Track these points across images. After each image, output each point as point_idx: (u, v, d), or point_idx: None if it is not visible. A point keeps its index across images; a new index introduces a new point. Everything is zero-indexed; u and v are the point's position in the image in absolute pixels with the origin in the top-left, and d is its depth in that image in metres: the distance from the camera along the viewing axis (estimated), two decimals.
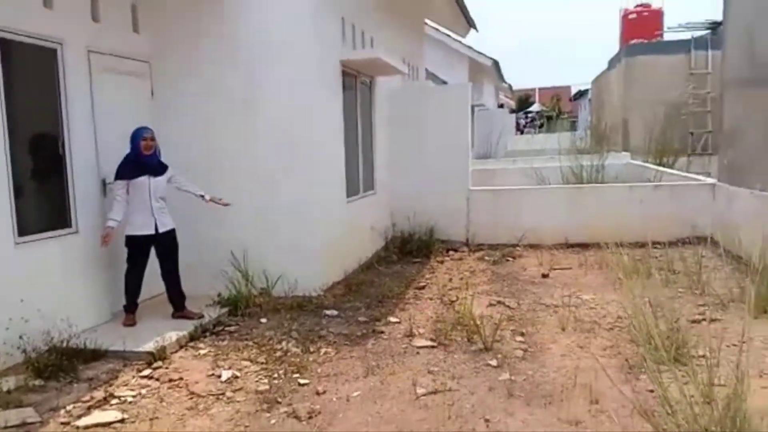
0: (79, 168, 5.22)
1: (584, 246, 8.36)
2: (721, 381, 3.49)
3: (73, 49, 5.15)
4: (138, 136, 5.24)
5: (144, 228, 5.27)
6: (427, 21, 12.29)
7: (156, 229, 5.31)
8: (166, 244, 5.42)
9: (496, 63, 20.86)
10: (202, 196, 5.58)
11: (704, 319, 5.21)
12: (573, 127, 31.00)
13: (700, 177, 9.62)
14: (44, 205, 5.03)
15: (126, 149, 5.30)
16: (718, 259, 7.14)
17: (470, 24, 11.31)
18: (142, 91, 6.14)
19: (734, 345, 4.55)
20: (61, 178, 5.12)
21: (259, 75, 6.06)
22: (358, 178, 7.74)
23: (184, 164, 6.02)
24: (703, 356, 3.97)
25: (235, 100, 6.13)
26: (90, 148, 5.36)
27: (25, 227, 4.65)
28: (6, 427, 3.54)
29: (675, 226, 8.24)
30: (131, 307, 5.38)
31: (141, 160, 5.24)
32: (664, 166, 12.70)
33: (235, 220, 5.99)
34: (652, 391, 3.77)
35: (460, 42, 17.05)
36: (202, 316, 5.41)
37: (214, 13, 6.09)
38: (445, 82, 15.98)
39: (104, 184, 5.52)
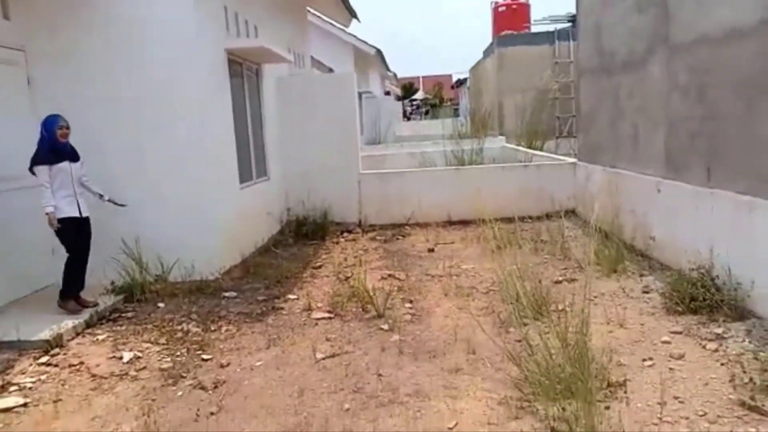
0: None
1: (466, 223, 9.05)
2: (574, 329, 4.12)
3: None
4: (54, 123, 5.22)
5: (70, 211, 5.29)
6: (311, 10, 12.50)
7: (80, 213, 5.36)
8: (86, 229, 5.47)
9: (379, 52, 21.41)
10: (101, 195, 5.62)
11: (565, 280, 6.00)
12: (456, 113, 32.38)
13: (563, 157, 10.69)
14: None
15: (3, 138, 5.13)
16: (579, 229, 8.12)
17: (351, 14, 11.67)
18: (17, 79, 5.91)
19: (588, 300, 5.32)
20: None
21: (140, 62, 6.03)
22: (250, 164, 7.88)
23: None
24: (562, 310, 4.64)
25: (115, 88, 6.07)
26: None
27: None
28: None
29: (543, 202, 9.15)
30: (78, 294, 5.40)
31: (58, 147, 5.24)
32: (534, 148, 13.85)
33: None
34: (520, 341, 4.36)
35: (344, 31, 17.35)
36: (96, 304, 5.39)
37: None
38: (331, 70, 16.26)
39: None
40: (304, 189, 9.07)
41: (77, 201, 5.37)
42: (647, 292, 5.29)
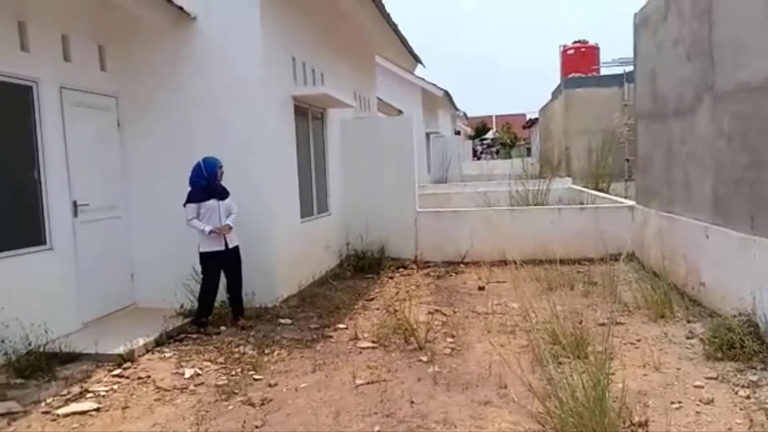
0: (53, 191, 5.77)
1: (520, 262, 9.15)
2: (604, 369, 4.23)
3: (47, 86, 5.75)
4: (215, 165, 6.02)
5: (214, 246, 5.98)
6: (380, 55, 13.19)
7: (225, 245, 6.02)
8: (233, 258, 6.14)
9: (447, 93, 21.94)
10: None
11: (610, 323, 6.03)
12: (529, 153, 32.33)
13: (624, 200, 10.61)
14: (21, 224, 5.54)
15: (95, 173, 5.97)
16: (635, 273, 8.06)
17: (416, 59, 12.24)
18: (109, 122, 6.74)
19: (630, 343, 5.38)
20: (37, 201, 5.66)
21: (217, 110, 6.72)
22: (312, 200, 8.42)
23: (149, 189, 6.74)
24: (600, 352, 4.73)
25: (195, 131, 6.77)
26: (63, 174, 5.91)
27: (3, 244, 5.16)
28: None
29: (600, 244, 9.10)
30: (204, 320, 6.04)
31: (212, 187, 6.00)
32: (600, 190, 13.77)
33: (194, 237, 6.51)
34: (551, 379, 4.50)
35: (413, 74, 18.01)
36: (218, 333, 5.95)
37: (173, 54, 6.75)
38: (400, 112, 16.88)
39: (75, 205, 6.06)
40: (363, 225, 9.51)
41: (224, 236, 6.02)
42: (690, 338, 5.28)
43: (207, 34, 6.68)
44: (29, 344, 4.99)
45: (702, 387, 4.22)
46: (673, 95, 7.01)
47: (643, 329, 5.68)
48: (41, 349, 5.01)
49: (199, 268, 6.48)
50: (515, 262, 9.21)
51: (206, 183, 6.00)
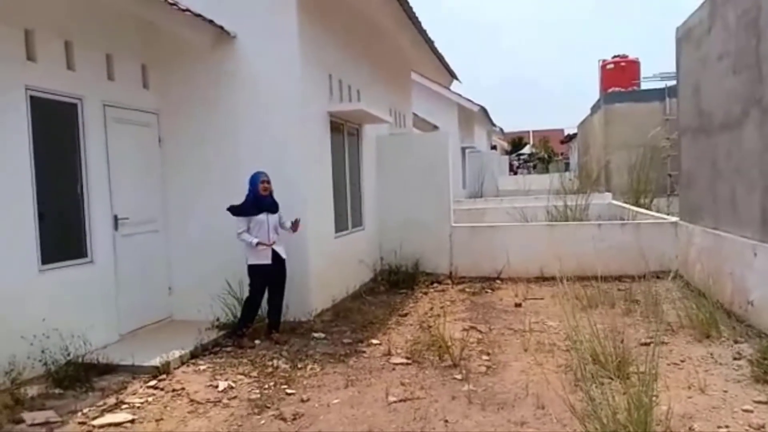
0: (94, 205, 5.92)
1: (558, 279, 8.91)
2: (646, 391, 4.07)
3: (91, 103, 5.93)
4: (257, 179, 6.10)
5: (261, 259, 6.07)
6: (416, 71, 13.23)
7: (273, 259, 6.12)
8: (279, 272, 6.21)
9: (483, 109, 21.87)
10: (292, 223, 6.33)
11: (653, 343, 5.81)
12: (567, 168, 31.84)
13: (667, 216, 10.31)
14: (64, 238, 5.70)
15: (136, 187, 6.11)
16: (678, 291, 7.79)
17: (452, 75, 12.23)
18: (150, 138, 6.90)
19: (674, 364, 5.18)
20: (80, 215, 5.81)
21: (254, 126, 6.81)
22: (347, 215, 8.44)
23: (187, 204, 6.88)
24: (642, 372, 4.56)
25: (234, 147, 6.87)
26: (105, 188, 6.07)
27: (47, 256, 5.31)
28: (32, 425, 4.11)
29: (642, 261, 8.86)
30: (245, 330, 6.11)
31: (259, 200, 6.08)
32: (641, 206, 13.41)
33: (231, 251, 6.59)
34: (593, 400, 4.35)
35: (448, 89, 18.01)
36: (253, 346, 5.97)
37: (213, 72, 6.89)
38: (436, 127, 16.88)
39: (116, 219, 6.20)
40: (397, 240, 9.47)
41: (272, 249, 6.09)
42: (737, 359, 5.04)
43: (246, 52, 6.80)
44: (68, 355, 5.10)
45: (751, 411, 4.01)
46: (719, 109, 6.79)
47: (688, 349, 5.46)
48: (80, 360, 5.11)
49: (233, 282, 6.57)
50: (554, 279, 9.03)
51: (253, 197, 6.10)
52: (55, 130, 5.62)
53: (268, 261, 6.10)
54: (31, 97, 5.22)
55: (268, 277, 6.15)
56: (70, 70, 5.66)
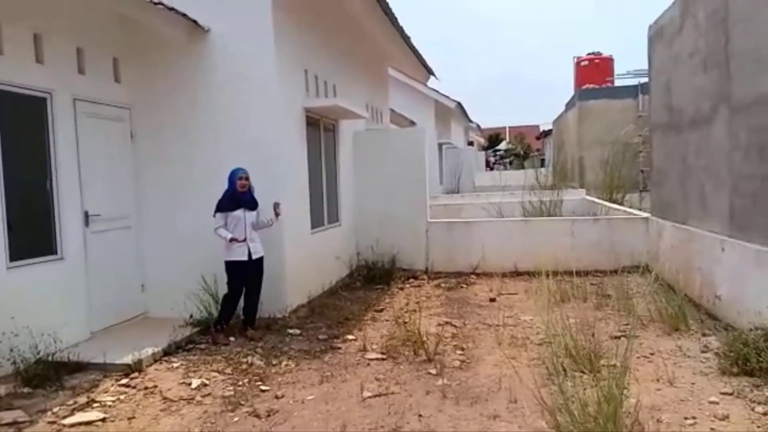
0: (64, 201, 5.81)
1: (532, 274, 9.04)
2: (624, 385, 4.13)
3: (61, 98, 5.80)
4: (234, 175, 6.05)
5: (238, 255, 6.02)
6: (393, 67, 13.23)
7: (249, 256, 6.05)
8: (255, 269, 6.15)
9: (460, 105, 21.94)
10: (270, 219, 6.33)
11: (624, 336, 5.93)
12: (542, 164, 32.13)
13: (638, 212, 10.48)
14: (33, 235, 5.58)
15: (107, 183, 6.05)
16: (649, 285, 7.91)
17: (429, 72, 12.25)
18: (122, 133, 6.78)
19: (644, 357, 5.27)
20: (49, 211, 5.70)
21: (229, 122, 6.74)
22: (323, 211, 8.42)
23: (160, 200, 6.82)
24: (613, 365, 4.64)
25: (210, 143, 6.79)
26: (74, 184, 5.95)
27: (16, 253, 5.20)
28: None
29: (614, 256, 9.00)
30: (222, 326, 6.04)
31: (236, 197, 6.03)
32: (614, 201, 13.61)
33: (206, 248, 6.54)
34: (565, 393, 4.41)
35: (425, 85, 18.03)
36: (227, 344, 5.91)
37: (188, 67, 6.80)
38: (413, 123, 16.88)
39: (87, 216, 6.09)
40: (374, 235, 9.49)
41: (248, 246, 6.05)
42: (705, 352, 5.16)
43: (220, 47, 6.72)
44: (38, 353, 5.00)
45: (717, 402, 4.11)
46: (689, 107, 6.92)
47: (657, 343, 5.57)
48: (50, 359, 5.01)
49: (208, 279, 6.52)
50: (528, 274, 9.14)
51: (231, 193, 6.07)
52: (23, 124, 5.49)
53: (244, 257, 6.07)
54: None
55: (244, 274, 6.11)
56: (39, 63, 5.54)
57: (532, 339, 5.95)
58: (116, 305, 6.50)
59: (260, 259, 6.22)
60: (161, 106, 6.86)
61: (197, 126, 6.81)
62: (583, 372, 4.71)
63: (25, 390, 4.67)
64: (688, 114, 6.97)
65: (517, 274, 9.30)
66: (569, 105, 20.15)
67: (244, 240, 6.05)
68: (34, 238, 5.57)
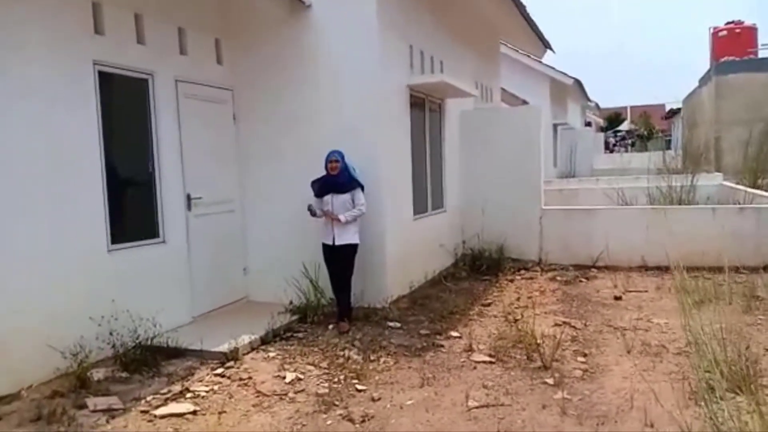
0: (166, 184, 5.76)
1: (663, 269, 8.05)
2: None
3: (163, 79, 5.72)
4: (326, 159, 5.87)
5: (325, 238, 5.90)
6: (505, 43, 12.38)
7: (333, 241, 5.85)
8: (341, 255, 5.90)
9: (578, 82, 20.47)
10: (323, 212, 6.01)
11: None
12: (668, 146, 29.65)
13: None
14: (135, 217, 5.58)
15: (209, 166, 6.04)
16: None
17: (546, 45, 11.29)
18: (225, 115, 6.65)
19: None
20: (151, 194, 5.66)
21: (331, 102, 6.39)
22: (426, 196, 7.92)
23: (263, 182, 6.67)
24: None
25: (308, 125, 6.50)
26: (177, 167, 5.88)
27: (117, 236, 5.19)
28: (94, 411, 3.97)
29: (763, 251, 7.81)
30: (340, 313, 5.92)
31: (328, 180, 5.86)
32: (759, 188, 11.97)
33: (308, 233, 6.27)
34: (710, 418, 3.66)
35: (540, 62, 16.92)
36: (346, 331, 5.68)
37: (290, 46, 6.50)
38: (525, 102, 15.91)
39: (189, 198, 6.02)
40: (481, 222, 8.85)
41: (333, 230, 5.82)
42: None
43: (322, 24, 6.38)
44: (137, 337, 4.96)
45: None
46: None
47: None
48: (148, 343, 4.96)
49: (309, 265, 6.28)
50: (658, 269, 8.13)
51: (323, 176, 5.87)
52: (124, 106, 5.48)
53: (329, 241, 5.84)
54: (99, 73, 5.05)
55: (329, 259, 5.89)
56: (141, 44, 5.47)
57: (668, 347, 5.14)
58: (218, 289, 6.43)
59: (347, 247, 5.85)
60: (262, 88, 6.65)
61: (297, 108, 6.53)
62: (736, 392, 3.89)
63: (123, 374, 4.63)
64: None
65: (645, 268, 8.31)
66: (704, 80, 18.10)
67: (328, 214, 5.79)
68: (136, 221, 5.56)
